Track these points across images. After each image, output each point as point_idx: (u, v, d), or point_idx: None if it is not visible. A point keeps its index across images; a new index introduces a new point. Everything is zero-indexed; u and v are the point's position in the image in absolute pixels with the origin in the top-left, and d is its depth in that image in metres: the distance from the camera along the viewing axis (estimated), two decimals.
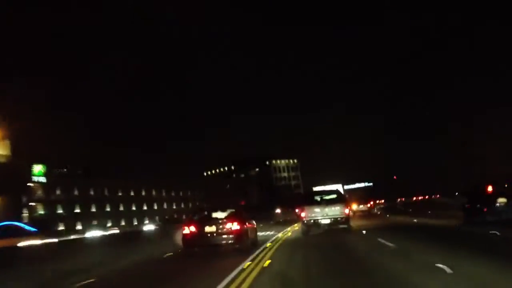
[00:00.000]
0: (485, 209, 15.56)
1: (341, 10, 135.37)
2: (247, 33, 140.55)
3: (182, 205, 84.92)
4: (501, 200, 15.23)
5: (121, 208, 69.32)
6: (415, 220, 23.32)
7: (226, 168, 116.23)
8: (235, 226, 12.56)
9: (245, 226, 13.20)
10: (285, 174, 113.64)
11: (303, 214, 17.43)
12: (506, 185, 16.21)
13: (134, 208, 72.06)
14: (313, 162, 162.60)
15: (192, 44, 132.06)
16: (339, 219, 17.04)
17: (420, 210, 34.71)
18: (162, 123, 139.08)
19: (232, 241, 12.43)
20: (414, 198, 67.45)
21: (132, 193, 72.45)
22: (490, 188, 16.06)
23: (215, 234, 12.50)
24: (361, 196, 56.16)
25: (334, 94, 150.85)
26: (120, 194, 69.66)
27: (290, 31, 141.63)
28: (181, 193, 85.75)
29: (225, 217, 13.14)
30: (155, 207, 77.46)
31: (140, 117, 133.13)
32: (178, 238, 14.03)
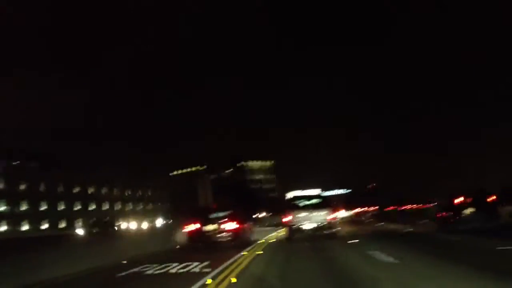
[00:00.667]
0: (456, 218, 17.55)
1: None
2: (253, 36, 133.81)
3: (141, 205, 75.74)
4: (468, 210, 17.23)
5: (62, 207, 59.29)
6: (392, 227, 25.80)
7: (196, 168, 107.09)
8: (233, 225, 14.84)
9: (242, 226, 15.46)
10: (260, 177, 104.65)
11: (287, 219, 17.32)
12: (479, 196, 17.62)
13: (77, 208, 62.03)
14: (289, 165, 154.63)
15: (196, 41, 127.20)
16: (324, 225, 16.92)
17: (406, 218, 37.59)
18: (164, 123, 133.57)
19: (229, 239, 14.62)
20: (404, 207, 64.75)
21: (76, 190, 62.46)
22: (458, 200, 17.90)
23: (214, 232, 14.67)
24: (342, 202, 53.93)
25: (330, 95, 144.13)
26: (61, 190, 59.73)
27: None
28: (139, 193, 76.19)
29: (225, 217, 15.04)
30: (106, 207, 67.43)
31: (140, 115, 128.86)
32: (179, 236, 17.06)
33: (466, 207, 17.34)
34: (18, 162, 58.78)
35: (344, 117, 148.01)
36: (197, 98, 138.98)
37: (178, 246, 16.75)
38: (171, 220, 63.22)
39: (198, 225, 14.80)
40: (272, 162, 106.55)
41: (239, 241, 14.68)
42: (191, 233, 14.88)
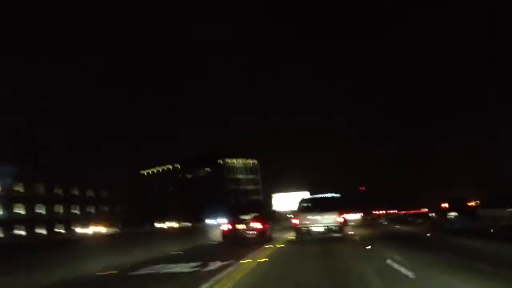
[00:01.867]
0: (442, 221, 21.28)
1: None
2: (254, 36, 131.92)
3: (107, 208, 68.92)
4: (452, 213, 20.91)
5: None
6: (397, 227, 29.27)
7: (170, 167, 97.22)
8: (258, 225, 18.82)
9: (265, 226, 19.41)
10: (242, 176, 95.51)
11: (296, 221, 18.03)
12: (468, 202, 22.16)
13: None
14: (275, 166, 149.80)
15: (196, 41, 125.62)
16: (333, 227, 17.33)
17: (411, 220, 41.04)
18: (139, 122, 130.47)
19: (255, 236, 18.31)
20: (412, 211, 68.83)
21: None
22: (444, 204, 21.58)
23: (244, 231, 18.62)
24: (354, 205, 51.19)
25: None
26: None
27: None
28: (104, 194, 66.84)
29: (251, 219, 19.19)
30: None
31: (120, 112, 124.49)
32: (214, 234, 20.92)
33: (450, 211, 20.85)
34: None
35: (344, 117, 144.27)
36: (197, 99, 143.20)
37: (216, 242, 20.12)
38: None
39: (230, 225, 19.35)
40: (255, 161, 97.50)
41: (263, 237, 18.50)
42: (226, 231, 19.26)
